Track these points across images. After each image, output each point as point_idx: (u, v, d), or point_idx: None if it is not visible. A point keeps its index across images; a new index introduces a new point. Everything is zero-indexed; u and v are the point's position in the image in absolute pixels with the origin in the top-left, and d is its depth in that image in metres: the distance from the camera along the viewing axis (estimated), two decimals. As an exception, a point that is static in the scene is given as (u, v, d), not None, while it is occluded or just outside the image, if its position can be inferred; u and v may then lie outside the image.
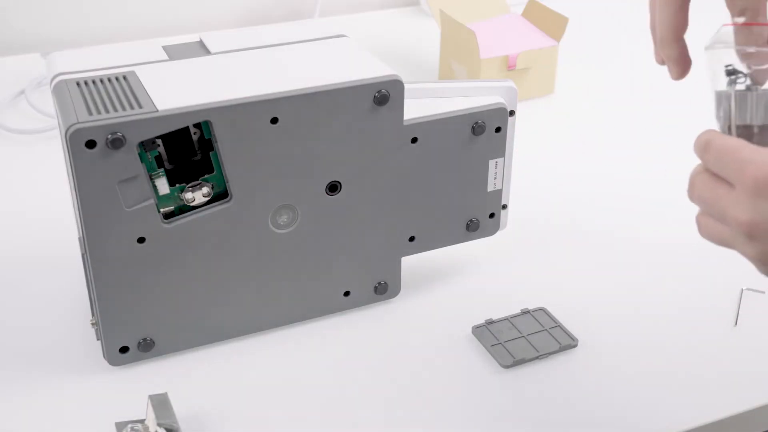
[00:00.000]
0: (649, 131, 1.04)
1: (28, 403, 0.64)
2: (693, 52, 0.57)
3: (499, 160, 0.72)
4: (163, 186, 0.62)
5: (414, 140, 0.68)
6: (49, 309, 0.73)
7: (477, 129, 0.69)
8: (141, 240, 0.62)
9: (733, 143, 0.48)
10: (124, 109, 0.59)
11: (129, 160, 0.59)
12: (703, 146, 0.50)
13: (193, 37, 0.71)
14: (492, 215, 0.74)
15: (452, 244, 0.74)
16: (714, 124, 0.52)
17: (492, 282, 0.77)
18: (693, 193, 0.51)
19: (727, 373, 0.67)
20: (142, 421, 0.59)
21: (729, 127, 0.50)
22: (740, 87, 0.51)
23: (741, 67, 0.51)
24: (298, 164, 0.64)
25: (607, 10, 1.28)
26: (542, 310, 0.73)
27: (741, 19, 0.53)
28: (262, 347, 0.69)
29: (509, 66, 1.05)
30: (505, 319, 0.72)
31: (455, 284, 0.76)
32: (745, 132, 0.50)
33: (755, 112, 0.50)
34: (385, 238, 0.71)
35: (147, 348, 0.66)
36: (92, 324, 0.66)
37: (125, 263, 0.62)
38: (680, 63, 0.57)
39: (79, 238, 0.64)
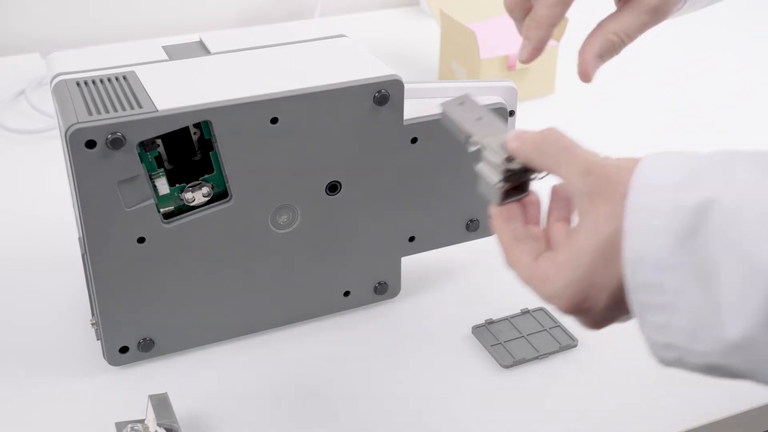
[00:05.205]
0: (649, 131, 1.04)
1: (28, 403, 0.64)
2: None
3: (499, 160, 0.72)
4: (163, 186, 0.62)
5: (414, 140, 0.68)
6: (49, 309, 0.73)
7: (477, 129, 0.69)
8: (141, 240, 0.62)
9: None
10: (124, 109, 0.59)
11: (129, 160, 0.59)
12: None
13: (193, 37, 0.71)
14: (492, 215, 0.74)
15: (452, 244, 0.74)
16: None
17: (492, 282, 0.77)
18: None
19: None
20: (142, 421, 0.59)
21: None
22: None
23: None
24: (298, 164, 0.64)
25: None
26: (542, 310, 0.73)
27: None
28: (262, 347, 0.69)
29: (509, 66, 1.05)
30: (505, 319, 0.72)
31: (455, 284, 0.76)
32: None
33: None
34: (385, 238, 0.71)
35: (147, 348, 0.66)
36: (92, 324, 0.66)
37: (125, 263, 0.62)
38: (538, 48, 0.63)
39: (79, 238, 0.64)
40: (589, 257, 0.43)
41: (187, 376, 0.66)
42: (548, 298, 0.46)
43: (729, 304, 0.38)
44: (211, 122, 0.61)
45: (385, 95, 0.64)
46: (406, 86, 0.65)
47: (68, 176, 0.63)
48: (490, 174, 0.49)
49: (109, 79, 0.63)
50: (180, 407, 0.62)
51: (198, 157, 0.64)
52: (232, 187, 0.63)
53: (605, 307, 0.45)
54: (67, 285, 0.75)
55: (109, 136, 0.57)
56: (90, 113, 0.58)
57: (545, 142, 0.47)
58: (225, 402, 0.64)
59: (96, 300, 0.63)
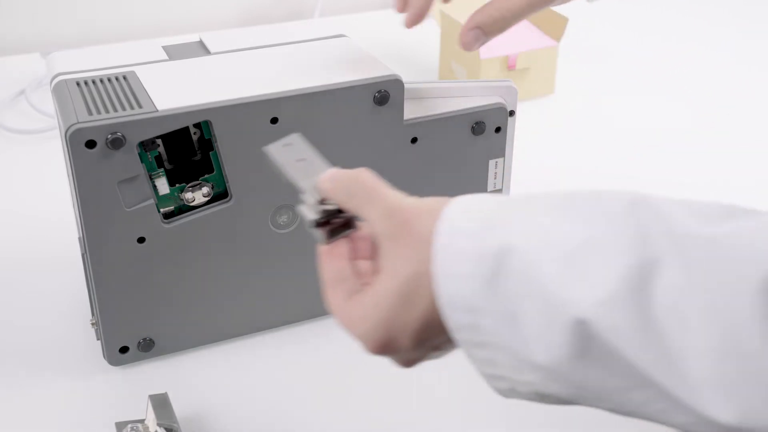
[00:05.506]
0: (648, 131, 1.04)
1: (28, 403, 0.64)
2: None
3: (499, 160, 0.72)
4: (163, 186, 0.62)
5: (414, 140, 0.68)
6: (49, 309, 0.73)
7: (477, 129, 0.69)
8: (141, 240, 0.62)
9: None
10: (124, 109, 0.59)
11: (129, 160, 0.59)
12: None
13: (193, 37, 0.71)
14: (492, 215, 0.74)
15: (452, 244, 0.74)
16: None
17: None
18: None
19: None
20: (142, 421, 0.59)
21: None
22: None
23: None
24: (298, 164, 0.64)
25: (607, 10, 1.28)
26: (542, 310, 0.72)
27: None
28: (262, 347, 0.69)
29: (509, 66, 1.05)
30: (505, 319, 0.71)
31: (455, 284, 0.76)
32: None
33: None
34: (385, 238, 0.70)
35: (147, 348, 0.66)
36: (92, 324, 0.66)
37: (125, 263, 0.62)
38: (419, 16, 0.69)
39: (79, 238, 0.64)
40: (390, 299, 0.44)
41: (187, 376, 0.66)
42: (357, 340, 0.46)
43: (534, 340, 0.41)
44: (211, 122, 0.61)
45: (385, 95, 0.64)
46: (406, 86, 0.65)
47: (68, 176, 0.63)
48: (309, 215, 0.49)
49: (109, 79, 0.63)
50: (180, 407, 0.62)
51: (198, 157, 0.64)
52: (232, 187, 0.63)
53: (411, 347, 0.45)
54: (67, 285, 0.75)
55: (109, 136, 0.58)
56: (90, 113, 0.58)
57: (353, 184, 0.47)
58: (225, 402, 0.64)
59: (96, 300, 0.63)
